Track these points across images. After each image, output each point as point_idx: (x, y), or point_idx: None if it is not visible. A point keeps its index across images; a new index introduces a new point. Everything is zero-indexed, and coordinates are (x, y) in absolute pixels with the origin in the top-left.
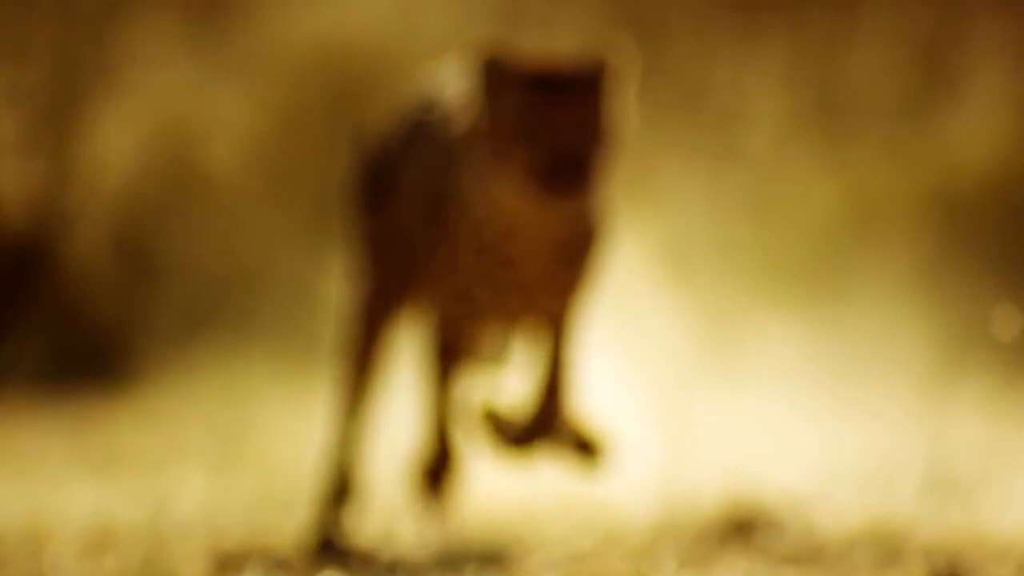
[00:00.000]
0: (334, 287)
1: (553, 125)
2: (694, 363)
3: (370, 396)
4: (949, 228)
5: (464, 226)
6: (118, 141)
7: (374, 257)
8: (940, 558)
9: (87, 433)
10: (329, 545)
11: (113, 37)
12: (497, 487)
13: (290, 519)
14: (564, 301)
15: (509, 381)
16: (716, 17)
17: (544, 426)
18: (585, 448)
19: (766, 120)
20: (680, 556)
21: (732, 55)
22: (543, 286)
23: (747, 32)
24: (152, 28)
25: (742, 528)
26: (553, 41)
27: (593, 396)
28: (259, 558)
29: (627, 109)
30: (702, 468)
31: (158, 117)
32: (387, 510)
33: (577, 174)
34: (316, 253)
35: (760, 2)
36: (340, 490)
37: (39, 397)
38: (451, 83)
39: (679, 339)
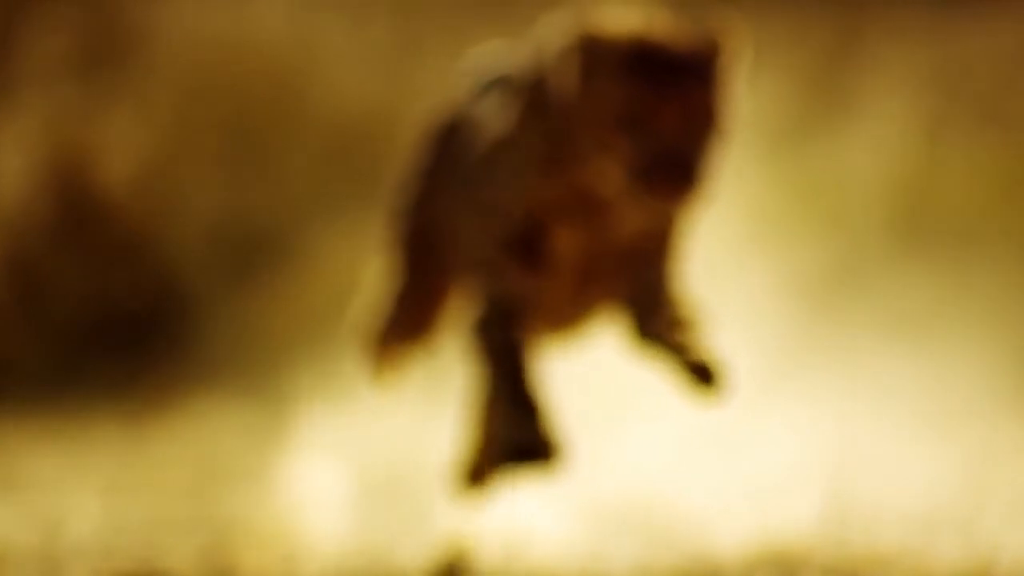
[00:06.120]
0: (229, 307)
1: (659, 116)
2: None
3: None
4: (845, 247)
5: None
6: (9, 162)
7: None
8: None
9: None
10: None
11: (4, 58)
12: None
13: (187, 542)
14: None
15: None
16: None
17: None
18: (700, 371)
19: None
20: None
21: None
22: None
23: None
24: (44, 49)
25: (641, 547)
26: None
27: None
28: None
29: (737, 98)
30: (605, 489)
31: (50, 138)
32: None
33: (683, 173)
34: (209, 273)
35: None
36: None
37: None
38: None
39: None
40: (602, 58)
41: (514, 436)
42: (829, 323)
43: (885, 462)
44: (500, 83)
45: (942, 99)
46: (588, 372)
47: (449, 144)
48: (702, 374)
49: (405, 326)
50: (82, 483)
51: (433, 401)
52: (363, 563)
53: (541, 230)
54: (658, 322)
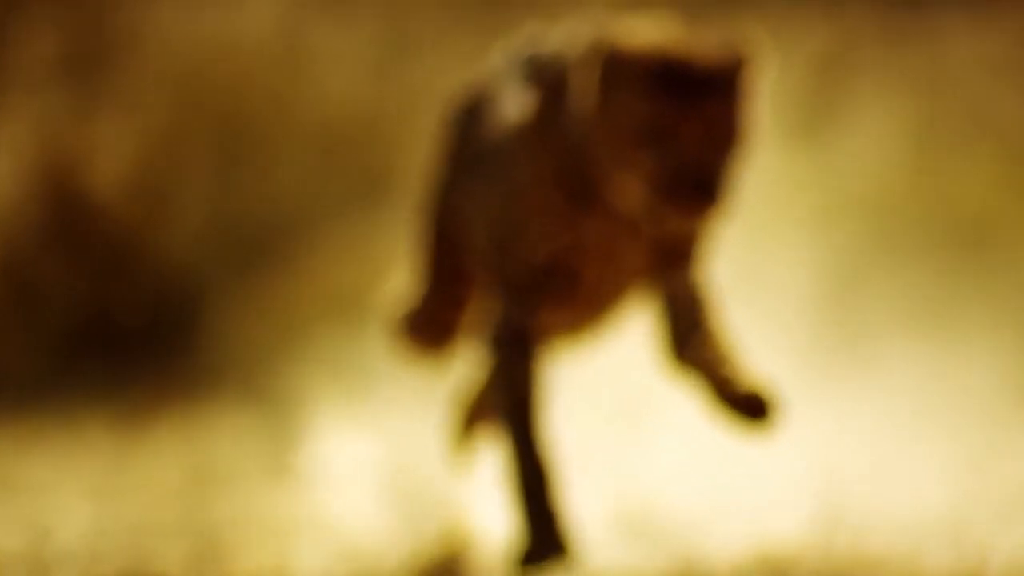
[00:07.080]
0: (224, 310)
1: (682, 131)
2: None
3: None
4: (842, 251)
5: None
6: (0, 165)
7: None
8: None
9: None
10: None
11: None
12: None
13: (177, 546)
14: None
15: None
16: None
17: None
18: (750, 404)
19: None
20: None
21: None
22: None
23: None
24: (34, 51)
25: (633, 551)
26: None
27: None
28: None
29: (758, 112)
30: (599, 493)
31: (41, 141)
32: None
33: (706, 189)
34: (203, 276)
35: None
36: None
37: None
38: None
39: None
40: (624, 72)
41: (529, 545)
42: (829, 326)
43: (881, 467)
44: (527, 66)
45: (935, 102)
46: (585, 378)
47: (469, 127)
48: (751, 407)
49: (432, 327)
50: (72, 487)
51: (434, 403)
52: (359, 565)
53: (576, 266)
54: (696, 349)
